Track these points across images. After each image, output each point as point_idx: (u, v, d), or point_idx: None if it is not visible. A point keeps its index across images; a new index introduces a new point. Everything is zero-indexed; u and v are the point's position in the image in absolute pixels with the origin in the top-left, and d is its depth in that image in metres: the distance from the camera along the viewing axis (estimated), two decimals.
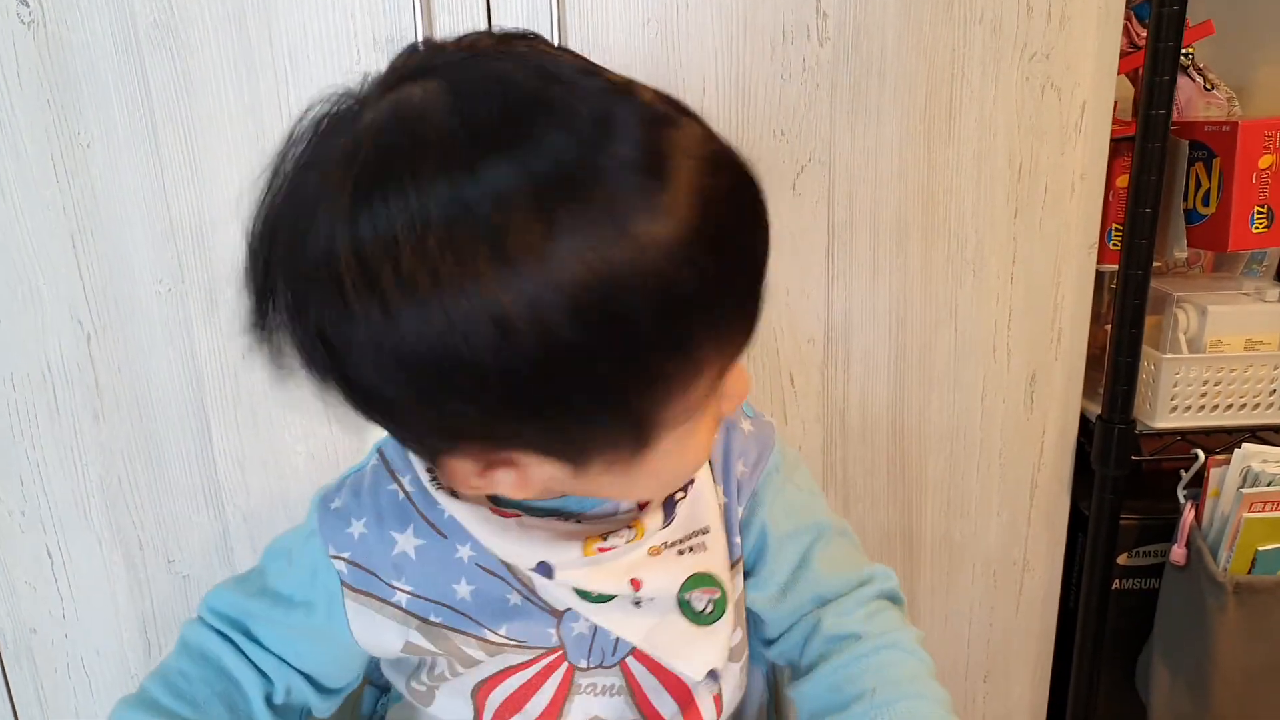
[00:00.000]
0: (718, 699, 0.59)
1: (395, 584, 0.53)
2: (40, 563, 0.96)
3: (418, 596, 0.54)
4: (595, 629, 0.55)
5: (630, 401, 0.41)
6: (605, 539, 0.51)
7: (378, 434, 0.72)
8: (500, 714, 0.57)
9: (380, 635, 0.54)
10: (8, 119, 0.83)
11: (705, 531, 0.55)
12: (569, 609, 0.54)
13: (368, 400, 0.41)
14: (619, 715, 0.58)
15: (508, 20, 0.84)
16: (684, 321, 0.39)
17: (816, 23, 0.86)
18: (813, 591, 0.58)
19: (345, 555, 0.53)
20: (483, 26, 0.84)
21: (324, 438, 0.94)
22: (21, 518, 0.94)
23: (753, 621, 0.61)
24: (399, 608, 0.54)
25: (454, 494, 0.51)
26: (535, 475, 0.44)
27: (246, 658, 0.55)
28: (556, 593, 0.53)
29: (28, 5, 0.80)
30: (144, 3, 0.81)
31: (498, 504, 0.52)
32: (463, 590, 0.53)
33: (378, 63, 0.82)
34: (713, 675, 0.56)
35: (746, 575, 0.59)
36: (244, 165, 0.85)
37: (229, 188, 0.86)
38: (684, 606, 0.54)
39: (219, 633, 0.56)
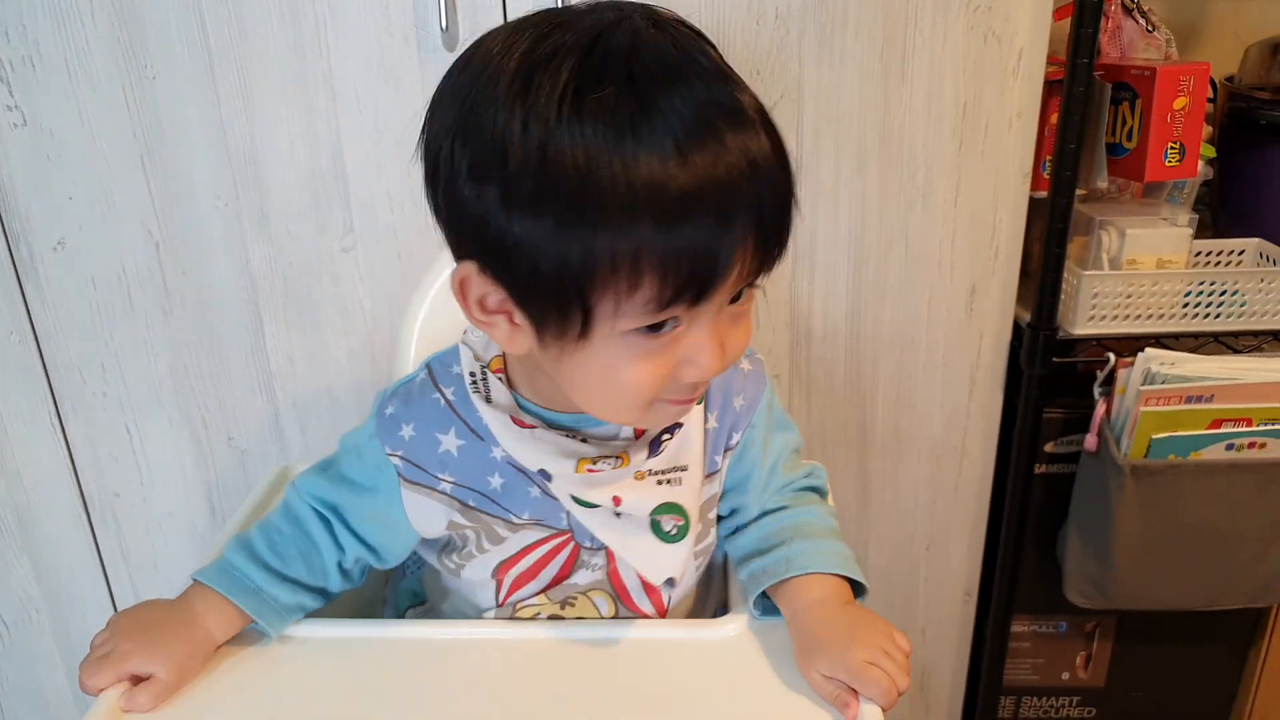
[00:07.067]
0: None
1: (440, 475, 0.63)
2: (120, 437, 1.08)
3: (459, 485, 0.64)
4: None
5: (569, 258, 0.47)
6: (595, 463, 0.60)
7: (408, 341, 0.85)
8: (516, 584, 0.67)
9: (429, 517, 0.65)
10: (85, 53, 0.93)
11: (684, 469, 0.64)
12: None
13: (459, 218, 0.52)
14: (601, 585, 0.68)
15: None
16: (631, 209, 0.46)
17: None
18: (774, 488, 0.71)
19: (399, 453, 0.63)
20: None
21: (361, 335, 1.05)
22: (104, 399, 1.06)
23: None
24: (444, 494, 0.64)
25: (488, 401, 0.61)
26: (519, 338, 0.54)
27: (330, 531, 0.66)
28: (557, 493, 0.63)
29: None
30: None
31: (520, 415, 0.61)
32: (495, 482, 0.63)
33: (409, 10, 0.93)
34: (669, 582, 0.66)
35: (731, 488, 0.70)
36: (290, 98, 0.96)
37: (277, 118, 0.96)
38: (654, 526, 0.63)
39: (314, 509, 0.66)
